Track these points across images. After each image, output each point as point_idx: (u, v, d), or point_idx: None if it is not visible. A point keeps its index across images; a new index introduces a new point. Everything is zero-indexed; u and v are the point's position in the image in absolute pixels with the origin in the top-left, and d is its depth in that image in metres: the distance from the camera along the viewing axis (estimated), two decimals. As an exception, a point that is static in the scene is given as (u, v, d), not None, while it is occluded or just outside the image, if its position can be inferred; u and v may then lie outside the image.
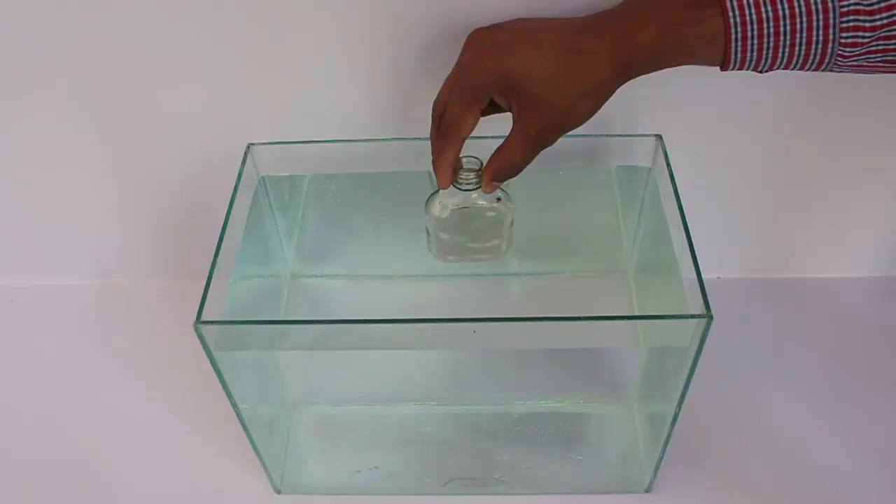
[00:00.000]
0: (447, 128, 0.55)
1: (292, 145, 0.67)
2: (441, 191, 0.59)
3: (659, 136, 0.65)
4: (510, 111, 0.54)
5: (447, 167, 0.57)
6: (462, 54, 0.56)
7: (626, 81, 0.52)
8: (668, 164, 0.62)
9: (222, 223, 0.59)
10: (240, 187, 0.63)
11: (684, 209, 0.59)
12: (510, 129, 0.54)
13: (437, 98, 0.58)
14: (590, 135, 0.65)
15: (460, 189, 0.59)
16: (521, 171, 0.56)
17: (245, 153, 0.66)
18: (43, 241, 0.84)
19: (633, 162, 0.68)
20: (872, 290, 0.84)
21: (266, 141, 0.66)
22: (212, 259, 0.57)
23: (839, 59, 0.48)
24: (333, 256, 0.78)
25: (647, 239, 0.70)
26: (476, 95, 0.53)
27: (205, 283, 0.55)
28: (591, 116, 0.53)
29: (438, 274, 0.77)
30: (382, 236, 0.77)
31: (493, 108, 0.55)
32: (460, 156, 0.57)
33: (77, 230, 0.82)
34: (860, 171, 0.75)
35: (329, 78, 0.67)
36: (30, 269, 0.86)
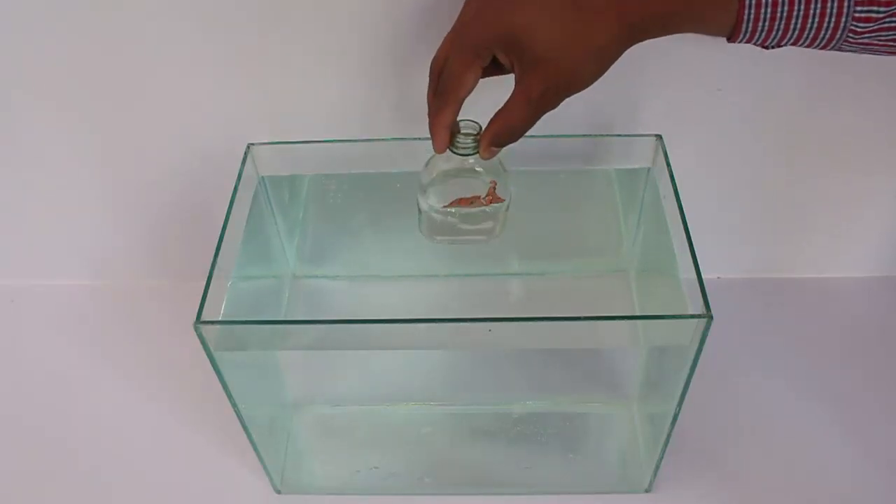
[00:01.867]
0: (445, 86, 0.52)
1: (292, 145, 0.67)
2: (436, 156, 0.56)
3: (659, 136, 0.65)
4: (513, 71, 0.51)
5: (444, 129, 0.53)
6: (463, 10, 0.53)
7: (632, 44, 0.49)
8: (668, 164, 0.62)
9: (222, 223, 0.59)
10: (240, 187, 0.63)
11: (684, 209, 0.59)
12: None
13: (435, 55, 0.54)
14: (590, 135, 0.65)
15: (457, 153, 0.55)
16: (521, 135, 0.53)
17: (245, 153, 0.66)
18: (43, 241, 0.84)
19: (632, 162, 0.67)
20: (872, 290, 0.84)
21: (266, 141, 0.66)
22: (212, 259, 0.57)
23: (850, 35, 0.47)
24: (334, 257, 0.78)
25: (647, 239, 0.70)
26: (477, 52, 0.50)
27: (205, 283, 0.55)
28: (595, 80, 0.50)
29: (438, 274, 0.77)
30: (382, 236, 0.77)
31: (494, 68, 0.52)
32: (458, 119, 0.54)
33: (77, 230, 0.82)
34: (860, 170, 0.75)
35: (329, 78, 0.67)
36: (30, 269, 0.86)
